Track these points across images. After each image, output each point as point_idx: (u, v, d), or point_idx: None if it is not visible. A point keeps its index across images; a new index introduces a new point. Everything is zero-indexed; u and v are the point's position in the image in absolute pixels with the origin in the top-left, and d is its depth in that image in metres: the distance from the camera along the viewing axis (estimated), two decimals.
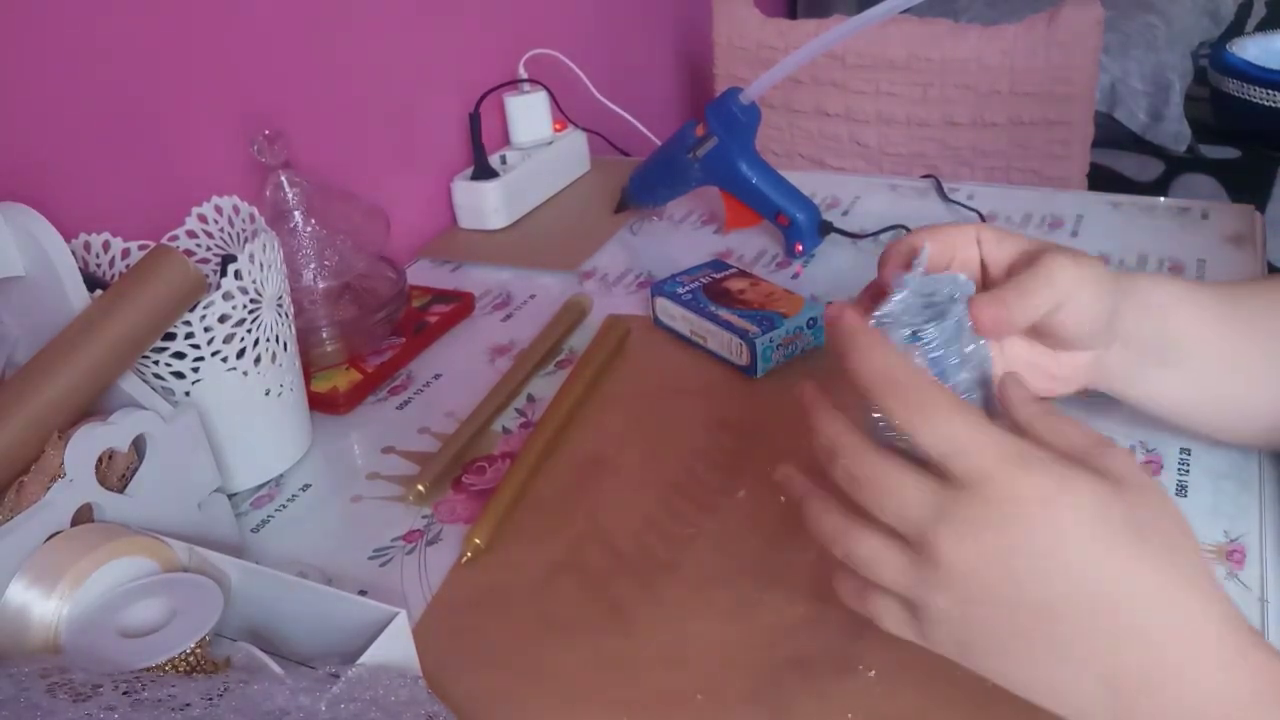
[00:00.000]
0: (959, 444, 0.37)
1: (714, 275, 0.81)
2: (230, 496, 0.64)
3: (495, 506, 0.62)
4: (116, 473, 0.55)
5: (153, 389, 0.58)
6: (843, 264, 0.91)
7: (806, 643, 0.52)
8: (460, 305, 0.87)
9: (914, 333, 0.44)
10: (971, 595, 0.37)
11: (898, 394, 0.39)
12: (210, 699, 0.42)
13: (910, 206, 1.01)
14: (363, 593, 0.57)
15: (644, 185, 0.97)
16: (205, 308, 0.59)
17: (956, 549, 0.37)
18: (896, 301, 0.44)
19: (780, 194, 0.90)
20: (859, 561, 0.40)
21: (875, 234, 0.94)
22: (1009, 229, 0.93)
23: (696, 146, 0.89)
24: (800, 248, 0.90)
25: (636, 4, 1.49)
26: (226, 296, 0.60)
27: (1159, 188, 1.67)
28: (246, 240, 0.67)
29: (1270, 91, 1.66)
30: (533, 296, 0.90)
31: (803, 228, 0.90)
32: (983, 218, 0.95)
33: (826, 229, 0.92)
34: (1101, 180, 1.48)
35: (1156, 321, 0.53)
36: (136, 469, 0.55)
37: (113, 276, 0.63)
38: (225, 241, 0.69)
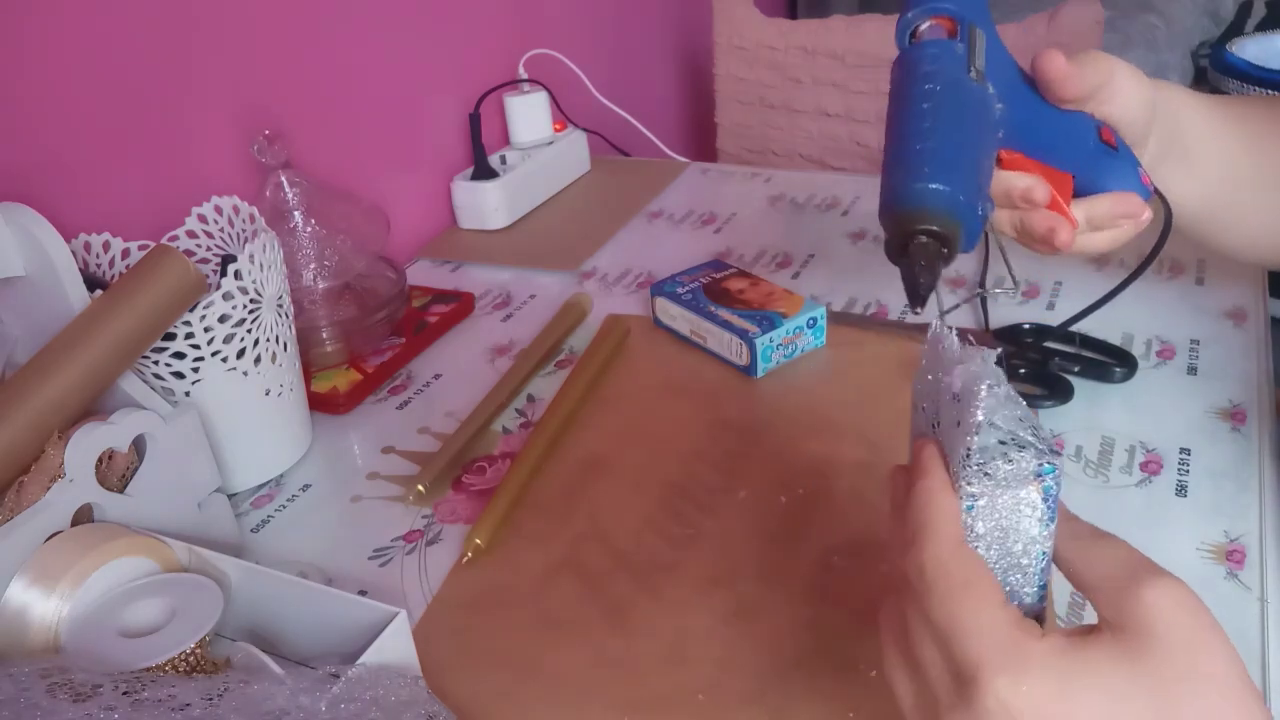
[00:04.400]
0: (956, 627, 0.33)
1: (714, 275, 0.81)
2: (230, 496, 0.64)
3: (495, 506, 0.62)
4: (116, 473, 0.54)
5: (153, 389, 0.58)
6: (843, 264, 0.91)
7: (806, 643, 0.51)
8: (460, 305, 0.87)
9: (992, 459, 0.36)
10: None
11: (925, 551, 0.35)
12: (210, 699, 0.42)
13: None
14: (363, 593, 0.57)
15: (964, 173, 0.43)
16: (205, 308, 0.59)
17: None
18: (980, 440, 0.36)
19: None
20: (893, 686, 0.38)
21: None
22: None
23: (971, 58, 0.47)
24: (1148, 179, 0.54)
25: (636, 4, 1.49)
26: (226, 296, 0.60)
27: None
28: (246, 240, 0.67)
29: (1270, 92, 1.66)
30: (533, 296, 0.90)
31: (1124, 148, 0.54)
32: None
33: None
34: None
35: (1172, 119, 0.55)
36: (136, 469, 0.55)
37: (113, 276, 0.63)
38: (225, 241, 0.69)
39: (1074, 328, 0.73)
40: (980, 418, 0.35)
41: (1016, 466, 0.35)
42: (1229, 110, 0.59)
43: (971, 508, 0.36)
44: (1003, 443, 0.35)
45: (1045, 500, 0.35)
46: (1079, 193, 0.53)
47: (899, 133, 0.44)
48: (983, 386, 0.36)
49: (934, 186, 0.41)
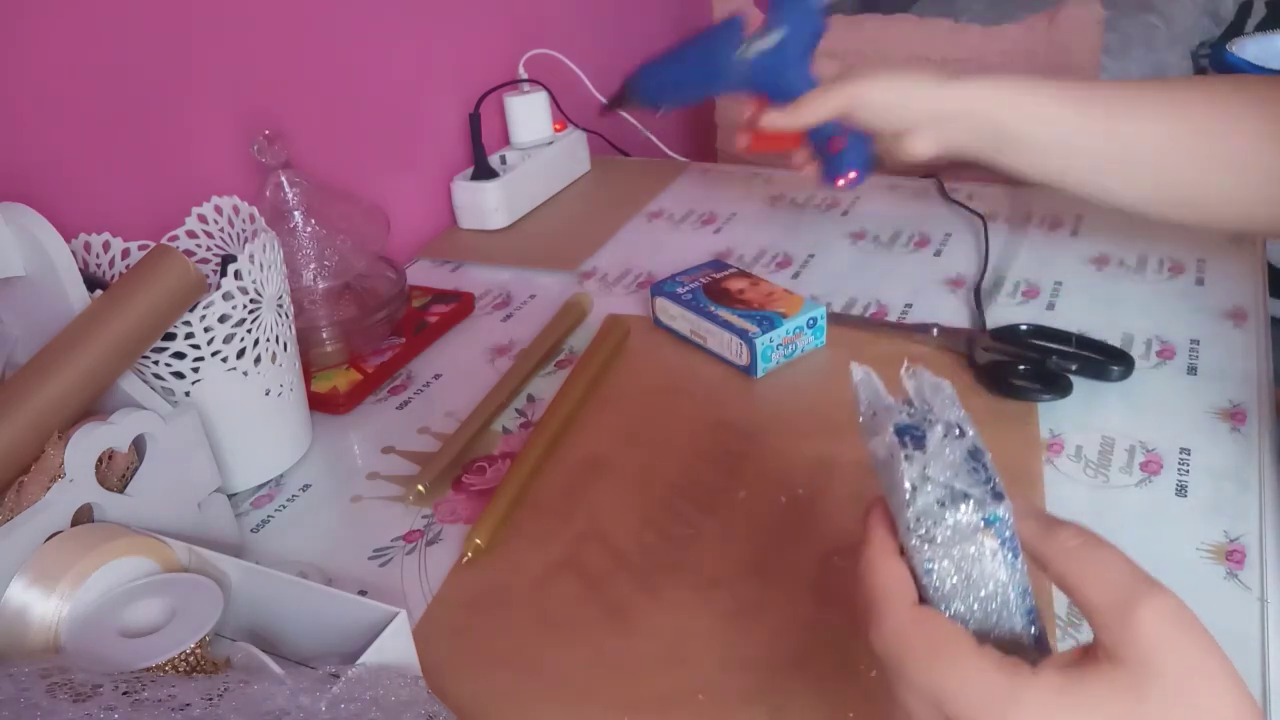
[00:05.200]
0: (940, 689, 0.33)
1: (714, 275, 0.81)
2: (230, 496, 0.64)
3: (495, 506, 0.62)
4: (116, 473, 0.54)
5: (153, 389, 0.58)
6: (843, 264, 0.91)
7: (806, 643, 0.52)
8: (460, 305, 0.87)
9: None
10: None
11: (885, 625, 0.35)
12: (210, 699, 0.42)
13: (911, 207, 1.01)
14: (363, 593, 0.57)
15: (661, 82, 0.86)
16: (205, 308, 0.59)
17: None
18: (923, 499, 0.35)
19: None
20: None
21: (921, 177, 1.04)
22: (1008, 229, 0.94)
23: (749, 45, 0.77)
24: (855, 175, 0.79)
25: (636, 4, 1.49)
26: (226, 296, 0.60)
27: None
28: (246, 240, 0.67)
29: None
30: (533, 296, 0.90)
31: (860, 153, 0.78)
32: (983, 218, 0.95)
33: (877, 161, 0.81)
34: None
35: (984, 120, 0.71)
36: (136, 469, 0.55)
37: (113, 276, 0.63)
38: (225, 241, 0.69)
39: (1074, 327, 0.73)
40: (908, 487, 0.34)
41: (959, 523, 0.34)
42: (1092, 94, 0.70)
43: (930, 570, 0.35)
44: (940, 502, 0.34)
45: (1002, 544, 0.34)
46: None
47: (665, 50, 0.85)
48: (902, 455, 0.35)
49: (638, 78, 0.86)
